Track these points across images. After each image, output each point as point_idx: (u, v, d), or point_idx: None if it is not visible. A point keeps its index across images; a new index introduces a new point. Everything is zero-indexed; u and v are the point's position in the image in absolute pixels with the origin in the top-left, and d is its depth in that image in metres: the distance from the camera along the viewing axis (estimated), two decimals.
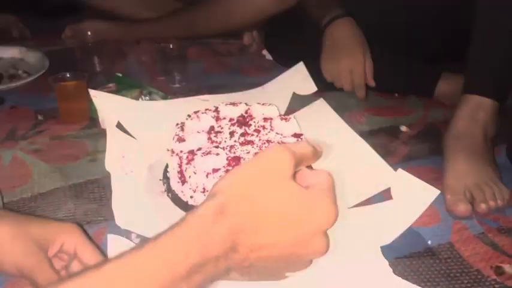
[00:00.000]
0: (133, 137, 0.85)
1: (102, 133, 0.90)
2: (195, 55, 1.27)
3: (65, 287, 0.34)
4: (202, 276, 0.36)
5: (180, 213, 0.70)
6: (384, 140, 0.92)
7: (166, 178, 0.76)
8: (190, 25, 1.24)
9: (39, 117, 0.95)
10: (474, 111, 0.82)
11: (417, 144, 0.91)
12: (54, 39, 1.31)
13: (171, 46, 1.12)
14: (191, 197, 0.70)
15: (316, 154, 0.41)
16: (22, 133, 0.90)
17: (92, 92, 0.89)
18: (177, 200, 0.72)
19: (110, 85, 1.01)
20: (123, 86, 1.00)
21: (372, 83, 0.99)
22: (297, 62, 1.11)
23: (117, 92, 0.99)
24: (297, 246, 0.38)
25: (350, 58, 0.97)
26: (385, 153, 0.87)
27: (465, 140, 0.80)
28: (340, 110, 0.99)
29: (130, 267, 0.34)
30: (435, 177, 0.80)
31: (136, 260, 0.35)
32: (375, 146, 0.86)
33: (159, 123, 0.89)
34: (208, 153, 0.69)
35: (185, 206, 0.71)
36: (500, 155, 0.86)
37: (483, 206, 0.71)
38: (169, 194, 0.73)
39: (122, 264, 0.35)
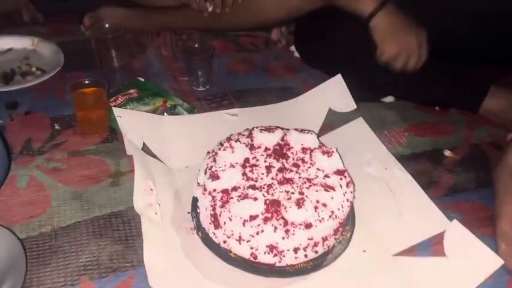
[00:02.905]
0: (160, 160, 0.79)
1: (123, 149, 0.84)
2: (218, 49, 1.18)
3: None
4: None
5: (211, 256, 0.65)
6: (426, 167, 0.85)
7: (195, 212, 0.70)
8: (215, 18, 1.14)
9: (56, 127, 0.89)
10: None
11: (463, 173, 0.84)
12: (69, 26, 1.23)
13: (196, 45, 1.04)
14: (224, 241, 0.64)
15: None
16: (38, 146, 0.84)
17: (116, 111, 0.81)
18: (208, 241, 0.67)
19: (132, 91, 0.94)
20: (146, 93, 0.93)
21: None
22: (325, 64, 1.03)
23: (139, 99, 0.92)
24: None
25: (418, 33, 0.92)
26: (429, 183, 0.81)
27: None
28: (378, 125, 0.93)
29: None
30: (484, 216, 0.75)
31: None
32: (417, 174, 0.81)
33: (187, 142, 0.83)
34: (245, 196, 0.63)
35: (217, 249, 0.65)
36: None
37: None
38: (200, 233, 0.68)
39: None
